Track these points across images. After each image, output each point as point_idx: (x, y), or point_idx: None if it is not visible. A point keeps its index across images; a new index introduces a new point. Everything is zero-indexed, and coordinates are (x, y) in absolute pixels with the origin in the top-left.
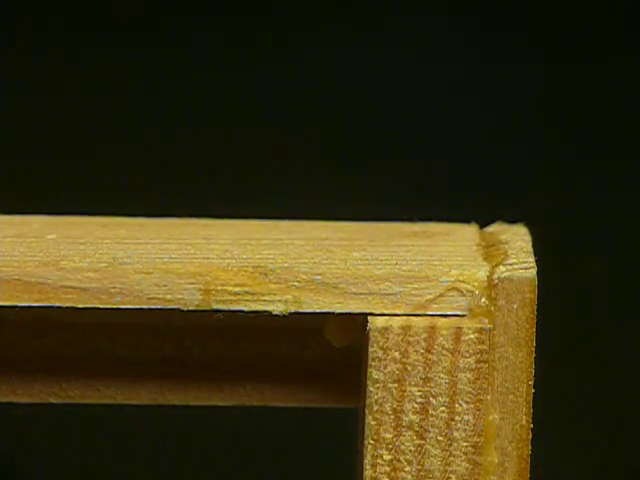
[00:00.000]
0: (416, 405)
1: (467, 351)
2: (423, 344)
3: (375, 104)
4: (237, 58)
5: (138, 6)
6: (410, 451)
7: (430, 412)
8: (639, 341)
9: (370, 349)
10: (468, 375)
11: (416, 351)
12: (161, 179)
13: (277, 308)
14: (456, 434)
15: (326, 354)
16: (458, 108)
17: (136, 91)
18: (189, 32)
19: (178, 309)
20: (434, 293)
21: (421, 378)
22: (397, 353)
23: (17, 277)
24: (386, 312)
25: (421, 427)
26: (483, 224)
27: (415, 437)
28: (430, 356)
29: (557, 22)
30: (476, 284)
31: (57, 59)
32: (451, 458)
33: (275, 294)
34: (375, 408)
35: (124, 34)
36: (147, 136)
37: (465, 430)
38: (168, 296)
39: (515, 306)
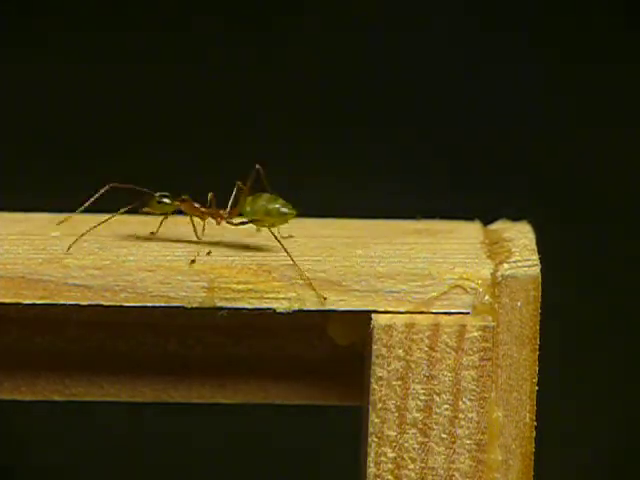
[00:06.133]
0: (420, 403)
1: (471, 349)
2: (427, 342)
3: (378, 102)
4: (236, 56)
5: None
6: (414, 449)
7: (434, 410)
8: None
9: (374, 347)
10: (472, 373)
11: (420, 349)
12: (163, 176)
13: (281, 306)
14: (460, 432)
15: (330, 352)
16: (461, 105)
17: (137, 88)
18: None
19: (182, 307)
20: (438, 291)
21: (425, 376)
22: (401, 351)
23: (21, 275)
24: (390, 310)
25: (425, 425)
26: (487, 222)
27: (419, 435)
28: (434, 354)
29: (560, 21)
30: (480, 282)
31: (56, 57)
32: (455, 456)
33: (279, 292)
34: (379, 406)
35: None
36: (149, 133)
37: (469, 428)
38: (172, 294)
39: (519, 304)
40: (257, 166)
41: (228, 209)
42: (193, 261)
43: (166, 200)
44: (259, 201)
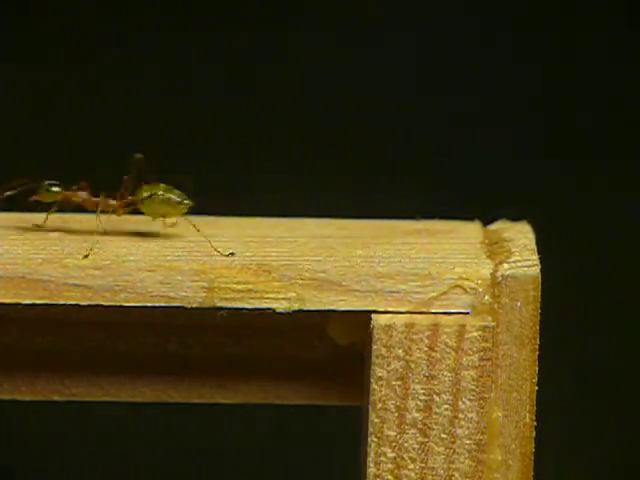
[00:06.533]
0: (419, 403)
1: (470, 349)
2: (426, 342)
3: (378, 102)
4: (236, 56)
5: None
6: (413, 449)
7: (434, 410)
8: None
9: (374, 347)
10: (471, 373)
11: (419, 349)
12: (162, 176)
13: (280, 306)
14: (459, 432)
15: (330, 352)
16: (461, 105)
17: (137, 88)
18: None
19: (182, 307)
20: (438, 291)
21: (424, 376)
22: (400, 351)
23: (21, 275)
24: (390, 310)
25: (424, 425)
26: (487, 222)
27: (419, 435)
28: (433, 354)
29: (560, 21)
30: (480, 282)
31: (56, 57)
32: (454, 456)
33: (278, 292)
34: (379, 406)
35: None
36: (148, 133)
37: (468, 428)
38: (172, 294)
39: (519, 304)
40: (138, 156)
41: (117, 200)
42: (86, 256)
43: (55, 189)
44: (156, 190)
